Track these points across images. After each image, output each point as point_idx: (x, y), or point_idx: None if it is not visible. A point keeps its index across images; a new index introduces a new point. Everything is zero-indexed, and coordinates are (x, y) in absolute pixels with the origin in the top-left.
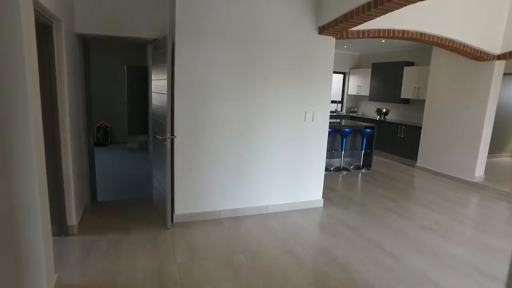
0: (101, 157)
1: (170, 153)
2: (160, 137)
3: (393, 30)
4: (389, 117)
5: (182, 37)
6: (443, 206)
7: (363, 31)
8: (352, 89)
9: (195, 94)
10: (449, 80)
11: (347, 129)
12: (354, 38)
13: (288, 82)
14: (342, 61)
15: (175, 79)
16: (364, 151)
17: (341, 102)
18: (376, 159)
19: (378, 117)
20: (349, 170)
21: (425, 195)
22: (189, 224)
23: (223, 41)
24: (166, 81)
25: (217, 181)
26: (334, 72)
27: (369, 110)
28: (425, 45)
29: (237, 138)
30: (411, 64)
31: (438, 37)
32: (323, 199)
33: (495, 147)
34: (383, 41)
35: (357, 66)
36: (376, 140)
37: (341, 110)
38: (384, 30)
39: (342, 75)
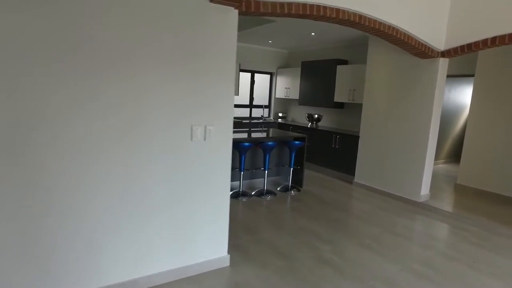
0: None
1: None
2: None
3: (324, 7)
4: (322, 124)
5: None
6: (393, 246)
7: (282, 4)
8: (280, 92)
9: None
10: (388, 81)
11: (270, 143)
12: (269, 14)
13: (161, 76)
14: (268, 59)
15: None
16: (293, 168)
17: (268, 107)
18: (308, 174)
19: (309, 124)
20: (275, 194)
21: (369, 228)
22: None
23: None
24: None
25: (45, 249)
26: (260, 72)
27: (300, 116)
28: (360, 40)
29: (72, 174)
30: (344, 62)
31: (380, 23)
32: (229, 255)
33: None
34: (313, 33)
35: (285, 66)
36: (307, 151)
37: (269, 116)
38: (312, 6)
39: (268, 76)
